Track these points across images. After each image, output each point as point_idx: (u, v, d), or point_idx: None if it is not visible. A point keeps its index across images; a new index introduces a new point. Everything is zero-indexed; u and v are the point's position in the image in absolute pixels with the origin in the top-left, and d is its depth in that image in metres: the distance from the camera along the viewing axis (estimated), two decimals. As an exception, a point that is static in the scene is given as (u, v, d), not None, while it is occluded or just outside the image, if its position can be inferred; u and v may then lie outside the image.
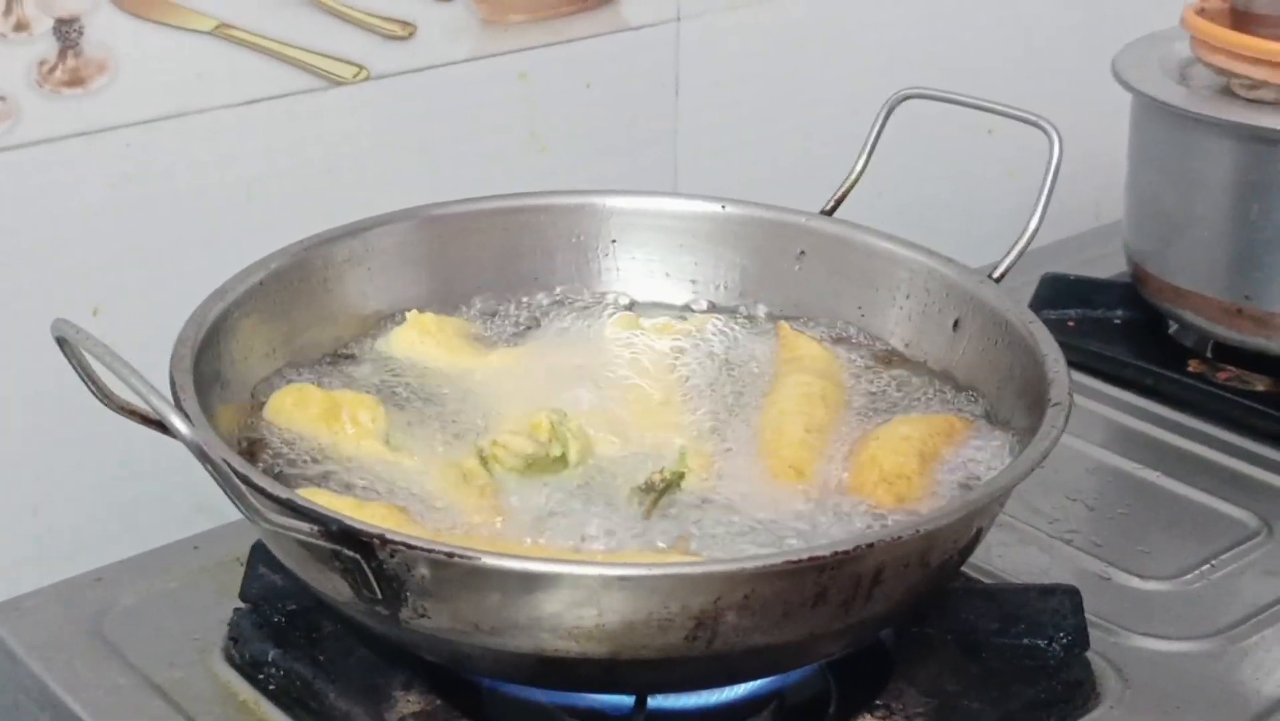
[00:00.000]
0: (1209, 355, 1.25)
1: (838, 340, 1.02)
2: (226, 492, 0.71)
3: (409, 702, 0.85)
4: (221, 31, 1.10)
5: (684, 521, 0.84)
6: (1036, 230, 0.98)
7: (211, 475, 0.70)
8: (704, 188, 1.24)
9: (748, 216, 1.06)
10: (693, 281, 1.06)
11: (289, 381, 0.94)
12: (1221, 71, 1.19)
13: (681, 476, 0.86)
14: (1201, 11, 1.21)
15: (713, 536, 0.83)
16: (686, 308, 1.06)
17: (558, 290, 1.05)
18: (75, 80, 1.05)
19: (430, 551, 0.72)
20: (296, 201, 1.15)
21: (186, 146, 1.11)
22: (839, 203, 1.05)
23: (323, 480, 0.87)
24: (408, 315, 0.99)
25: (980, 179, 1.54)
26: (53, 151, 1.06)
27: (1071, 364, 1.24)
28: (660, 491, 0.84)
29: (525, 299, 1.05)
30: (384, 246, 1.01)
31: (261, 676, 0.89)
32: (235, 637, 0.92)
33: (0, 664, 0.94)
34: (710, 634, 0.74)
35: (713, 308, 1.06)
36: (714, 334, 1.03)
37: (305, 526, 0.73)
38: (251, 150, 1.14)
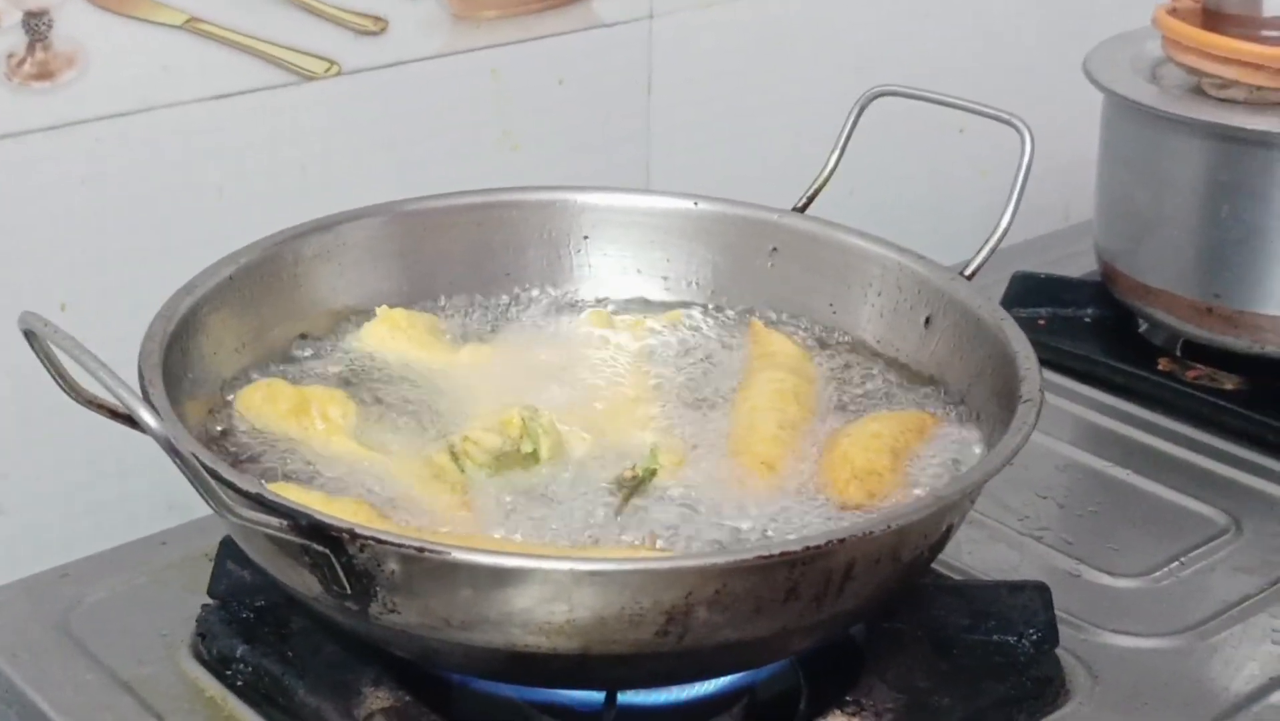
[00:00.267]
0: (1179, 353, 1.25)
1: (810, 337, 1.02)
2: (195, 487, 0.70)
3: (378, 698, 0.84)
4: (192, 25, 1.10)
5: (655, 517, 0.84)
6: (1008, 228, 0.98)
7: (180, 469, 0.70)
8: (677, 185, 1.24)
9: (720, 213, 1.05)
10: (665, 278, 1.06)
11: (259, 376, 0.94)
12: (1192, 71, 1.19)
13: (653, 472, 0.86)
14: (1173, 11, 1.22)
15: (684, 532, 0.83)
16: (658, 304, 1.05)
17: (530, 286, 1.05)
18: (44, 74, 1.05)
19: (400, 546, 0.72)
20: (267, 196, 1.15)
21: (156, 141, 1.10)
22: (811, 200, 1.05)
23: (293, 475, 0.87)
24: (378, 310, 0.99)
25: (952, 177, 1.54)
26: (21, 145, 1.05)
27: (1042, 362, 1.24)
28: (631, 487, 0.84)
29: (497, 295, 1.04)
30: (355, 241, 1.00)
31: (230, 672, 0.89)
32: (203, 634, 0.91)
33: (-33, 659, 0.93)
34: (681, 629, 0.74)
35: (685, 304, 1.05)
36: (686, 330, 1.03)
37: (274, 521, 0.72)
38: (222, 145, 1.13)
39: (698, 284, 1.06)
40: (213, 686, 0.89)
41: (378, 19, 1.18)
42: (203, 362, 0.91)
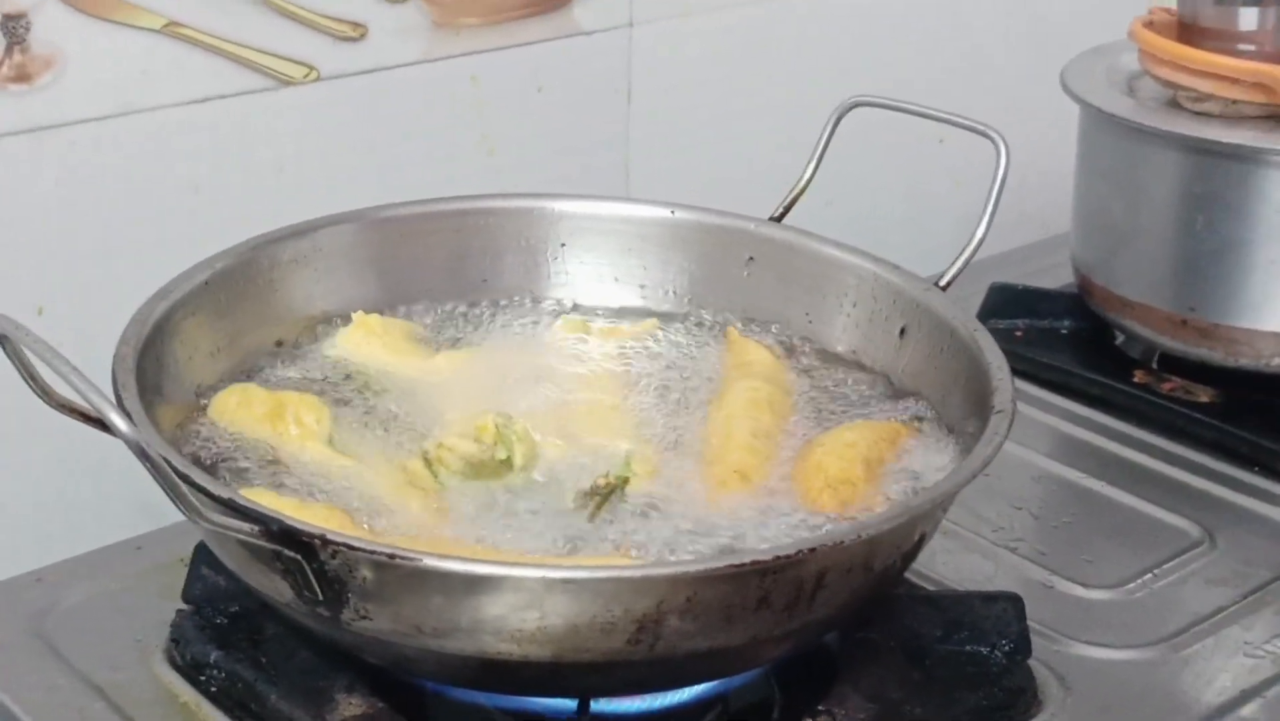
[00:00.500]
0: (1155, 366, 1.26)
1: (785, 346, 1.02)
2: (166, 491, 0.70)
3: (351, 705, 0.84)
4: (171, 30, 1.10)
5: (628, 525, 0.84)
6: (983, 239, 0.99)
7: (151, 474, 0.70)
8: (656, 193, 1.24)
9: (696, 222, 1.06)
10: (641, 286, 1.06)
11: (234, 381, 0.94)
12: (1168, 84, 1.20)
13: (626, 480, 0.86)
14: (1149, 24, 1.22)
15: (657, 540, 0.83)
16: (635, 312, 1.06)
17: (507, 293, 1.05)
18: (22, 76, 1.04)
19: (371, 552, 0.72)
20: (245, 201, 1.15)
21: (134, 145, 1.10)
22: (788, 209, 1.06)
23: (266, 481, 0.86)
24: (354, 316, 0.99)
25: (931, 188, 1.55)
26: (-2, 147, 1.05)
27: (1018, 373, 1.25)
28: (604, 495, 0.84)
29: (473, 301, 1.04)
30: (331, 247, 1.00)
31: (203, 678, 0.89)
32: (177, 639, 0.91)
33: (-61, 663, 0.93)
34: (653, 637, 0.74)
35: (661, 313, 1.05)
36: (662, 338, 1.03)
37: (246, 526, 0.72)
38: (200, 149, 1.13)
39: (674, 292, 1.06)
40: (186, 692, 0.89)
41: (357, 25, 1.18)
42: (178, 367, 0.91)
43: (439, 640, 0.75)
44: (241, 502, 0.73)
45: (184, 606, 0.92)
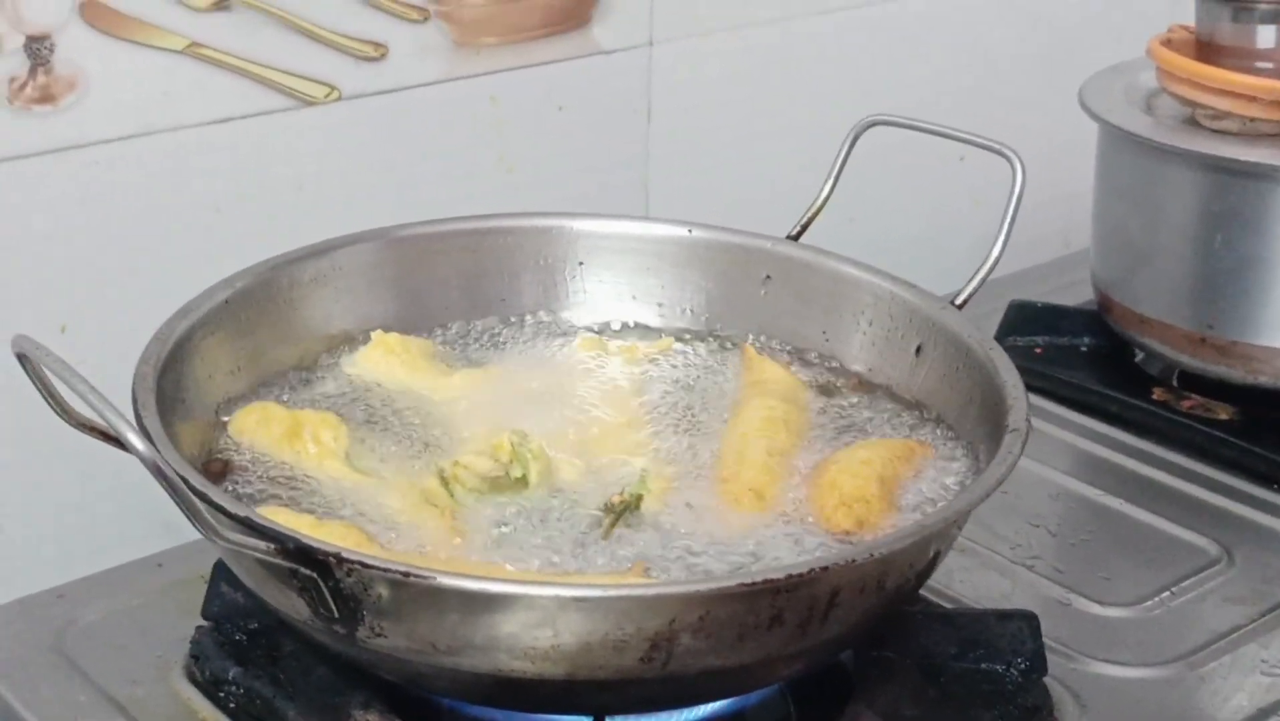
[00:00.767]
0: (1175, 383, 1.26)
1: (802, 364, 1.03)
2: (182, 509, 0.71)
3: (368, 721, 0.85)
4: (193, 50, 1.11)
5: (642, 543, 0.84)
6: (999, 257, 0.99)
7: (168, 492, 0.70)
8: (675, 212, 1.24)
9: (714, 240, 1.06)
10: (659, 305, 1.07)
11: (253, 400, 0.94)
12: (1186, 102, 1.20)
13: (640, 498, 0.86)
14: (1167, 42, 1.22)
15: (671, 558, 0.83)
16: (653, 330, 1.06)
17: (524, 312, 1.06)
18: (45, 97, 1.05)
19: (386, 570, 0.72)
20: (266, 220, 1.15)
21: (156, 164, 1.11)
22: (805, 228, 1.06)
23: (284, 499, 0.87)
24: (373, 335, 1.00)
25: (951, 206, 1.55)
26: (22, 168, 1.06)
27: (1037, 390, 1.26)
28: (619, 513, 0.85)
29: (492, 320, 1.05)
30: (350, 266, 1.01)
31: (222, 694, 0.90)
32: (196, 655, 0.92)
33: (-39, 679, 0.94)
34: (665, 655, 0.74)
35: (678, 331, 1.06)
36: (679, 357, 1.04)
37: (262, 545, 0.73)
38: (221, 169, 1.14)
39: (692, 311, 1.06)
40: (205, 708, 0.89)
41: (378, 45, 1.19)
42: (198, 386, 0.91)
43: (454, 657, 0.75)
44: (258, 521, 0.74)
45: (203, 623, 0.93)
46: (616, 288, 1.06)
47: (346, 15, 1.16)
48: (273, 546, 0.73)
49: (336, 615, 0.75)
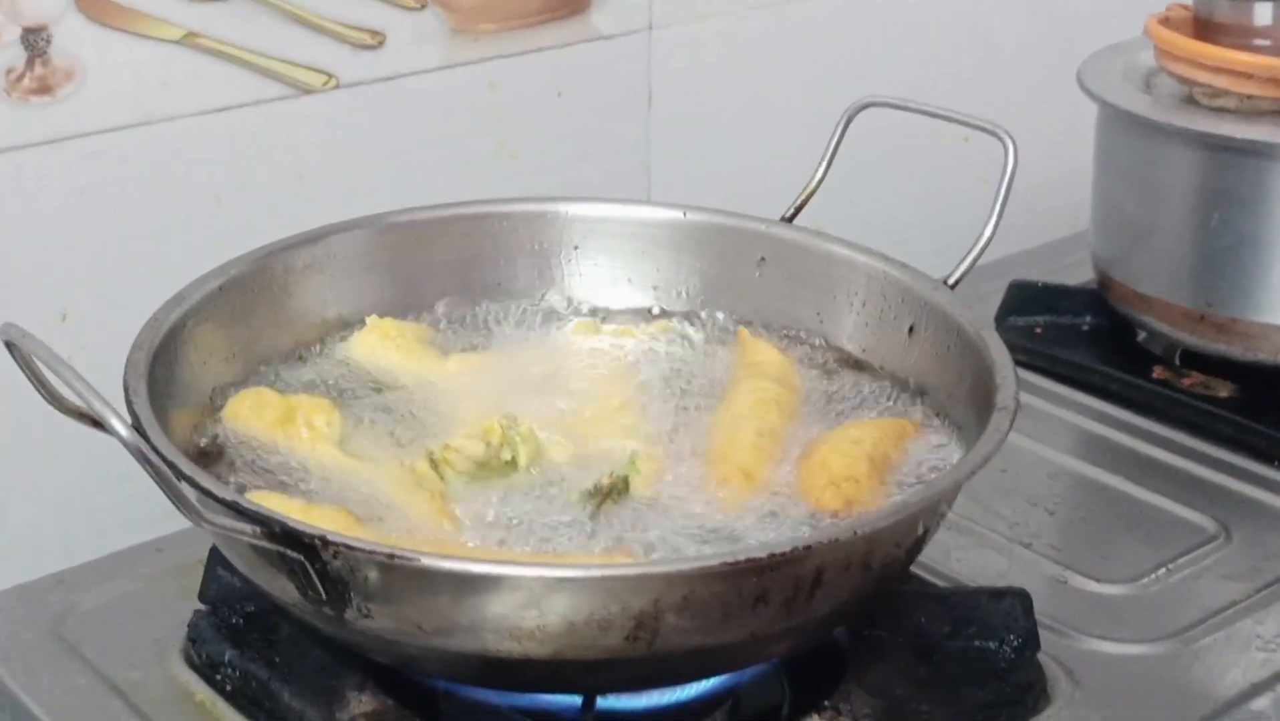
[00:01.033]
0: (1177, 362, 1.25)
1: (795, 345, 1.03)
2: (166, 493, 0.72)
3: (361, 703, 0.85)
4: (190, 40, 1.11)
5: (631, 524, 0.85)
6: (991, 237, 0.99)
7: (151, 476, 0.71)
8: (678, 197, 1.24)
9: (709, 223, 1.06)
10: (654, 288, 1.07)
11: (248, 386, 0.95)
12: (1184, 80, 1.20)
13: (626, 480, 0.86)
14: (1165, 21, 1.22)
15: (659, 539, 0.84)
16: (648, 314, 1.06)
17: (520, 297, 1.06)
18: (43, 88, 1.06)
19: (371, 552, 0.73)
20: (265, 209, 1.16)
21: (155, 154, 1.12)
22: (799, 210, 1.06)
23: (277, 484, 0.88)
24: (368, 320, 1.00)
25: (956, 187, 1.55)
26: (21, 158, 1.07)
27: (1038, 370, 1.26)
28: (605, 493, 0.85)
29: (487, 305, 1.05)
30: (345, 253, 1.01)
31: (219, 677, 0.90)
32: (194, 639, 0.93)
33: (-38, 664, 0.95)
34: (650, 635, 0.75)
35: (674, 314, 1.06)
36: (674, 340, 1.04)
37: (248, 528, 0.74)
38: (220, 158, 1.15)
39: (687, 293, 1.06)
40: (202, 690, 0.90)
41: (375, 33, 1.19)
42: (192, 372, 0.92)
43: (441, 638, 0.76)
44: (244, 505, 0.75)
45: (201, 607, 0.93)
46: (612, 271, 1.07)
47: (343, 3, 1.17)
48: (259, 530, 0.74)
49: (324, 597, 0.76)
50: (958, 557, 1.03)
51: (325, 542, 0.73)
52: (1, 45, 1.04)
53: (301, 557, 0.74)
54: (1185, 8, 1.24)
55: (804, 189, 1.06)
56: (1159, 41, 1.21)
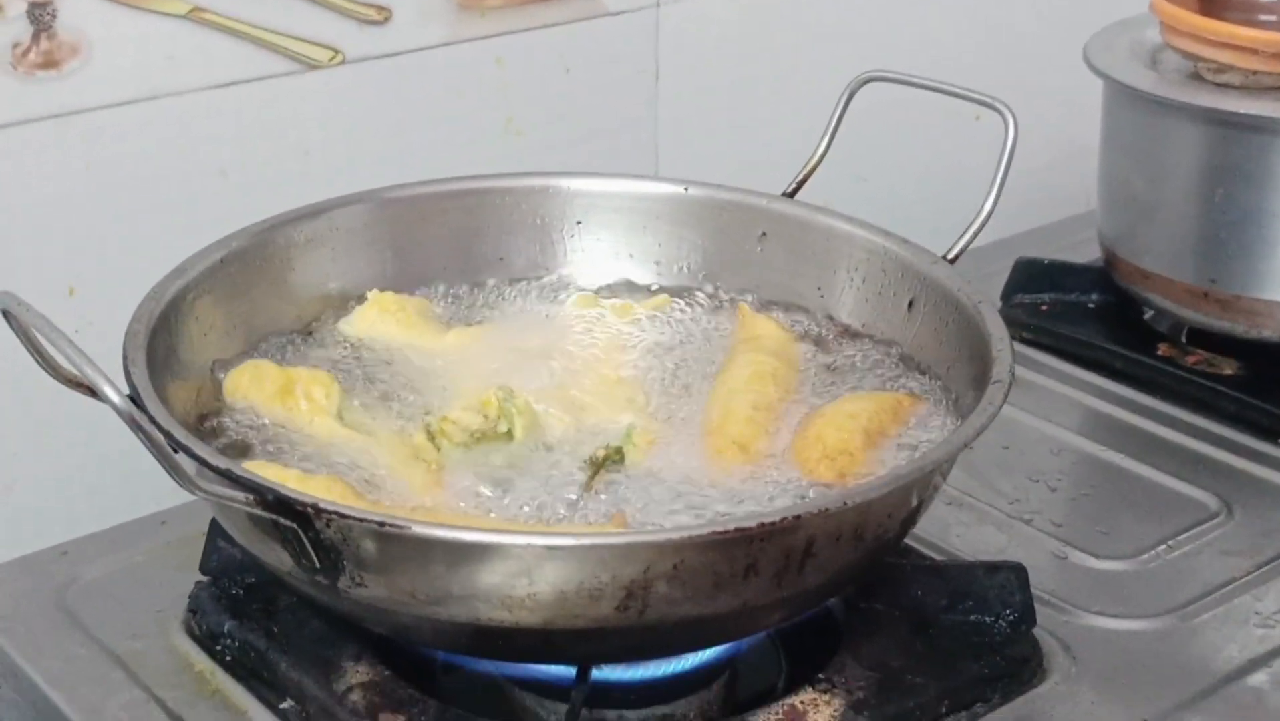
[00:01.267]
0: (1184, 340, 1.25)
1: (796, 319, 1.03)
2: (158, 460, 0.72)
3: (358, 673, 0.86)
4: (196, 15, 1.12)
5: (625, 495, 0.85)
6: (991, 212, 0.99)
7: (144, 443, 0.72)
8: (686, 173, 1.24)
9: (710, 198, 1.07)
10: (656, 263, 1.07)
11: (249, 360, 0.95)
12: (1189, 56, 1.20)
13: (619, 450, 0.87)
14: (1171, -4, 1.22)
15: (652, 510, 0.84)
16: (650, 289, 1.07)
17: (522, 271, 1.06)
18: (49, 63, 1.07)
19: (362, 520, 0.73)
20: (271, 184, 1.17)
21: (160, 129, 1.12)
22: (800, 185, 1.06)
23: (276, 455, 0.88)
24: (369, 294, 1.01)
25: (966, 164, 1.54)
26: (27, 133, 1.08)
27: (1043, 347, 1.27)
28: (599, 464, 0.86)
29: (489, 280, 1.06)
30: (347, 227, 1.02)
31: (218, 647, 0.91)
32: (194, 610, 0.94)
33: (-34, 634, 0.96)
34: (641, 604, 0.75)
35: (675, 289, 1.06)
36: (675, 314, 1.04)
37: (241, 495, 0.74)
38: (226, 133, 1.15)
39: (688, 268, 1.07)
40: (202, 660, 0.91)
41: (381, 8, 1.19)
42: (192, 345, 0.92)
43: (433, 607, 0.76)
44: (238, 473, 0.75)
45: (202, 578, 0.94)
46: (614, 246, 1.07)
47: (349, -22, 1.17)
48: (252, 497, 0.74)
49: (318, 566, 0.76)
50: (958, 533, 1.04)
51: (318, 511, 0.74)
52: (7, 19, 1.05)
53: (295, 526, 0.75)
54: (1191, -17, 1.24)
55: (805, 164, 1.06)
56: (1165, 17, 1.20)
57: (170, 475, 0.73)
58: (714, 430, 0.90)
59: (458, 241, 1.05)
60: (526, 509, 0.84)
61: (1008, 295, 1.30)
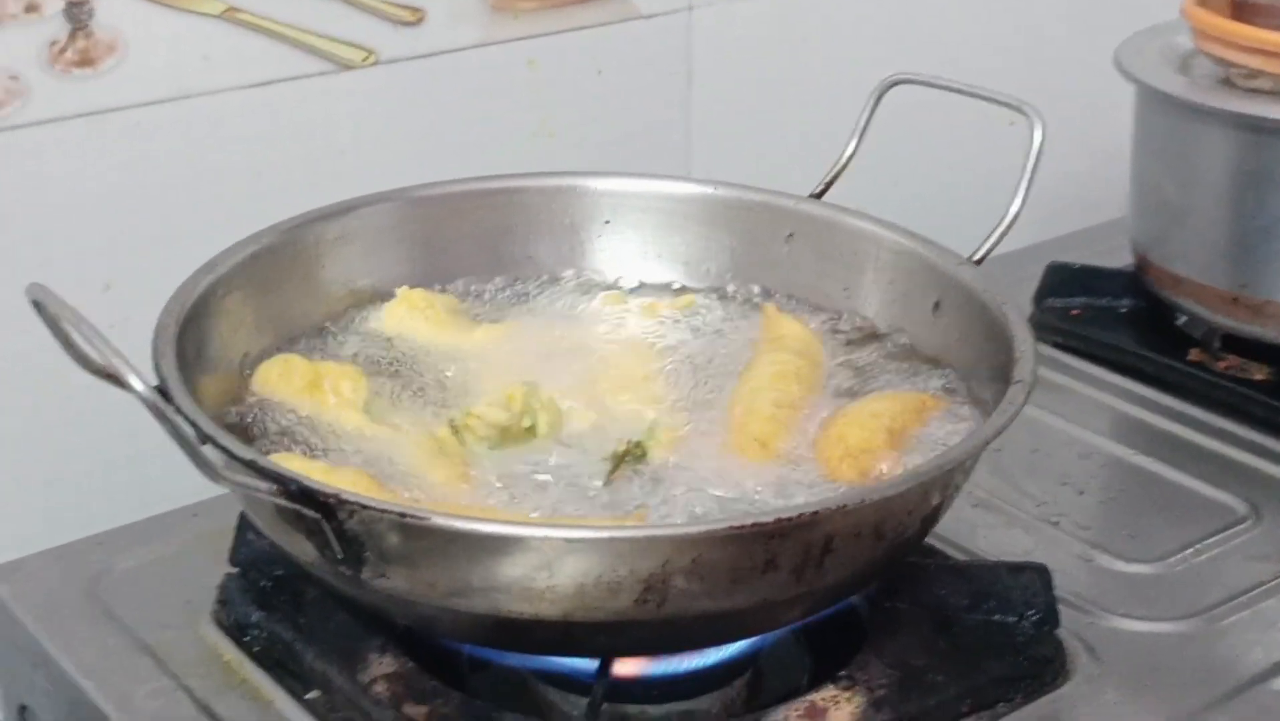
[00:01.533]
0: (1217, 346, 1.25)
1: (822, 321, 1.03)
2: (183, 449, 0.73)
3: (382, 665, 0.87)
4: (230, 15, 1.13)
5: (646, 491, 0.86)
6: (1018, 214, 0.99)
7: (168, 432, 0.72)
8: (717, 175, 1.25)
9: (738, 199, 1.07)
10: (684, 263, 1.08)
11: (279, 354, 0.96)
12: (1220, 61, 1.19)
13: (640, 445, 0.87)
14: (1202, 3, 1.22)
15: (672, 505, 0.84)
16: (677, 288, 1.07)
17: (551, 270, 1.07)
18: (85, 61, 1.08)
19: (383, 511, 0.74)
20: (303, 184, 1.17)
21: (194, 128, 1.14)
22: (828, 186, 1.07)
23: (301, 447, 0.89)
24: (398, 291, 1.01)
25: (999, 168, 1.54)
26: (62, 130, 1.09)
27: (1074, 351, 1.26)
28: (620, 459, 0.86)
29: (517, 278, 1.06)
30: (376, 225, 1.03)
31: (246, 638, 0.92)
32: (223, 601, 0.94)
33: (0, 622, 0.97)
34: (660, 598, 0.76)
35: (702, 289, 1.07)
36: (701, 313, 1.05)
37: (265, 485, 0.75)
38: (259, 133, 1.16)
39: (715, 268, 1.07)
40: (230, 651, 0.92)
41: (415, 10, 1.20)
42: (222, 341, 0.93)
43: (454, 599, 0.77)
44: (262, 463, 0.76)
45: (231, 570, 0.95)
46: (642, 246, 1.07)
47: (383, -21, 1.18)
48: (275, 488, 0.75)
49: (341, 556, 0.77)
50: (984, 535, 1.04)
51: (340, 501, 0.75)
52: (44, 18, 1.06)
53: (318, 516, 0.75)
54: (1223, -11, 1.24)
55: (834, 165, 1.07)
56: (1196, 23, 1.20)
57: (195, 465, 0.74)
58: (736, 427, 0.91)
59: (487, 240, 1.06)
60: (548, 503, 0.85)
61: (1039, 299, 1.30)
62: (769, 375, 0.94)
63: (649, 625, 0.77)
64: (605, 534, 0.75)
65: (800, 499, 0.85)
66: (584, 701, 0.84)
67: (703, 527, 0.76)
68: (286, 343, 0.98)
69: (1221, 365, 1.22)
